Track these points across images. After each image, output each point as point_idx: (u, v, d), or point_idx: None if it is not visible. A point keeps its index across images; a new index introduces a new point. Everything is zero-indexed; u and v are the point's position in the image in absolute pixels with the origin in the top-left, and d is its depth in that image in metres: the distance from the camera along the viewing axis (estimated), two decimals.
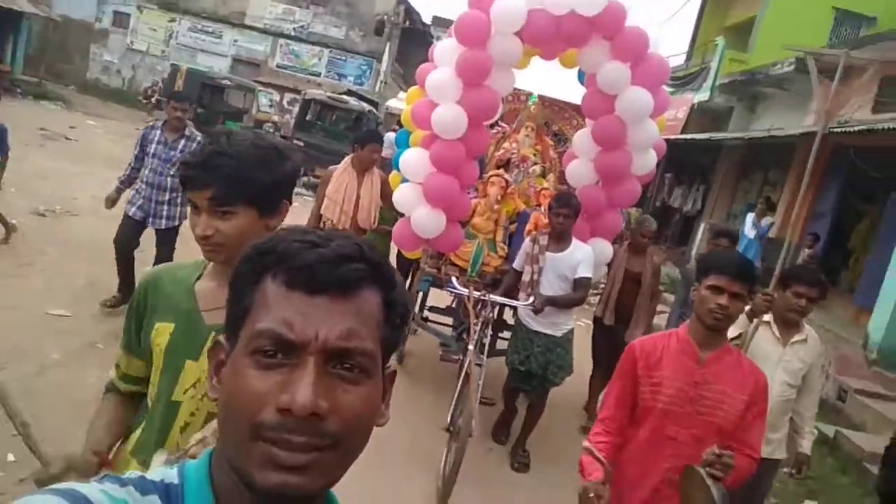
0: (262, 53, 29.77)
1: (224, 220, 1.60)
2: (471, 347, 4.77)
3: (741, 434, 2.65)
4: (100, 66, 29.78)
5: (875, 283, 8.97)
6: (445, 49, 5.18)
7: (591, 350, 6.19)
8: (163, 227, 6.04)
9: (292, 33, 29.70)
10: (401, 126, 6.55)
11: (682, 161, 17.39)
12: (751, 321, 3.89)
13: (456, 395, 4.95)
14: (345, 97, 20.12)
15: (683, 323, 2.86)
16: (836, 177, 11.97)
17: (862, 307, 10.00)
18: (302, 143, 17.32)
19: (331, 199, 5.81)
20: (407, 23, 29.82)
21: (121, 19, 29.98)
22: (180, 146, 5.96)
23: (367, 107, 19.63)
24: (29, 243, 7.41)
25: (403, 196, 5.44)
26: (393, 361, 0.93)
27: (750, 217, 12.28)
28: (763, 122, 15.45)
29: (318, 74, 29.46)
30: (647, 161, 5.36)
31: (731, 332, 3.83)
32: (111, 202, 6.24)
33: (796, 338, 3.95)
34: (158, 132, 6.04)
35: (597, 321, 6.07)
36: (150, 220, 6.03)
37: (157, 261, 5.80)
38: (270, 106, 24.16)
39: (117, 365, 1.80)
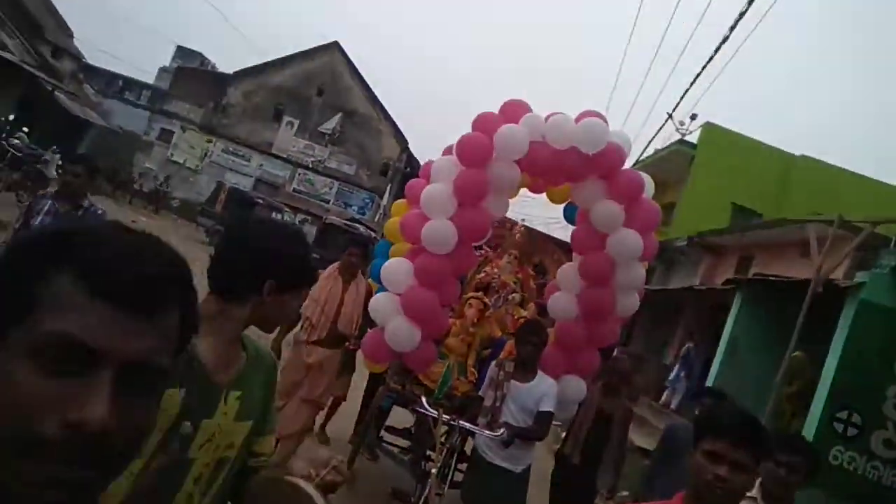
0: (282, 178, 28.91)
1: None
2: (433, 476, 3.42)
3: None
4: (139, 171, 28.31)
5: None
6: (443, 166, 4.03)
7: (550, 490, 4.29)
8: None
9: (310, 165, 29.10)
10: None
11: None
12: None
13: None
14: (355, 224, 20.74)
15: (678, 494, 1.63)
16: (714, 319, 13.27)
17: None
18: (318, 256, 17.70)
19: (312, 299, 4.60)
20: (408, 168, 29.36)
21: (166, 135, 29.09)
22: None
23: (373, 234, 20.49)
24: None
25: (380, 305, 4.10)
26: None
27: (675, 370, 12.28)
28: (674, 279, 15.92)
29: (328, 201, 28.68)
30: (630, 303, 4.12)
31: None
32: None
33: None
34: (49, 202, 3.84)
35: (560, 460, 4.38)
36: None
37: None
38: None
39: None
